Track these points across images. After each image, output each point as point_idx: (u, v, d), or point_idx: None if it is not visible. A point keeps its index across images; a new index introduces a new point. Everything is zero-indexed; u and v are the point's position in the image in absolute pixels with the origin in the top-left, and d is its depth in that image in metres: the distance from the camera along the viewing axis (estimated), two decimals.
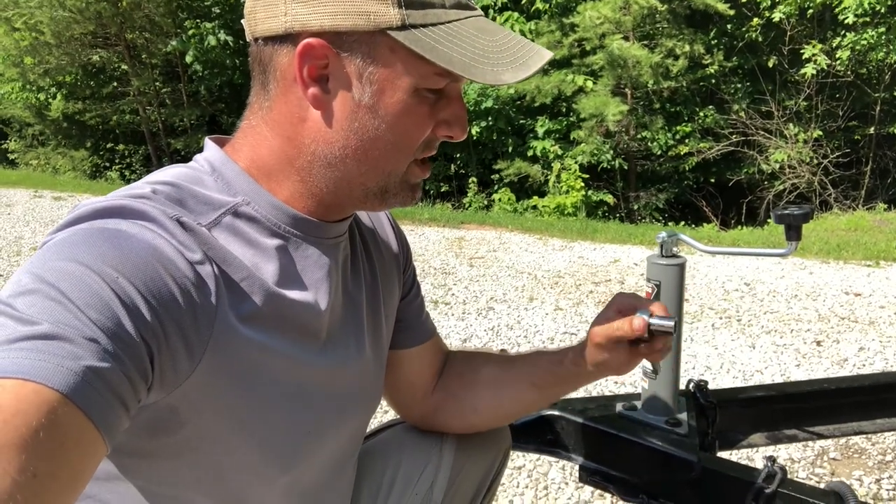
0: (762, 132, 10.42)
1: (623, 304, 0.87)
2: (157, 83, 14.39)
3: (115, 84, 14.56)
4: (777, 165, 10.16)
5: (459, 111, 0.72)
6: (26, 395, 0.47)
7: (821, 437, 1.50)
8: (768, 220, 9.16)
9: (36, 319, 0.50)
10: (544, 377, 0.97)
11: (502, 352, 1.16)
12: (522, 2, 11.28)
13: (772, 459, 1.09)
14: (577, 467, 2.10)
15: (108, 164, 15.31)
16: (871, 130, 10.26)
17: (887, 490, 2.13)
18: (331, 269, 0.76)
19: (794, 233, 1.16)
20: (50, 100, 14.67)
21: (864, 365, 3.15)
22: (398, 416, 1.09)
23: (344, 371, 0.79)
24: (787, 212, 1.14)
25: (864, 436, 2.40)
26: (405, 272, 0.96)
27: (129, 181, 14.39)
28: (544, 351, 1.00)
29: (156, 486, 0.68)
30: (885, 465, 2.27)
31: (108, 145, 15.39)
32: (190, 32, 12.55)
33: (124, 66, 14.15)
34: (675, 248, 1.29)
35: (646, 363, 1.38)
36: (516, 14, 11.00)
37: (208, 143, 0.75)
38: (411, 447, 1.02)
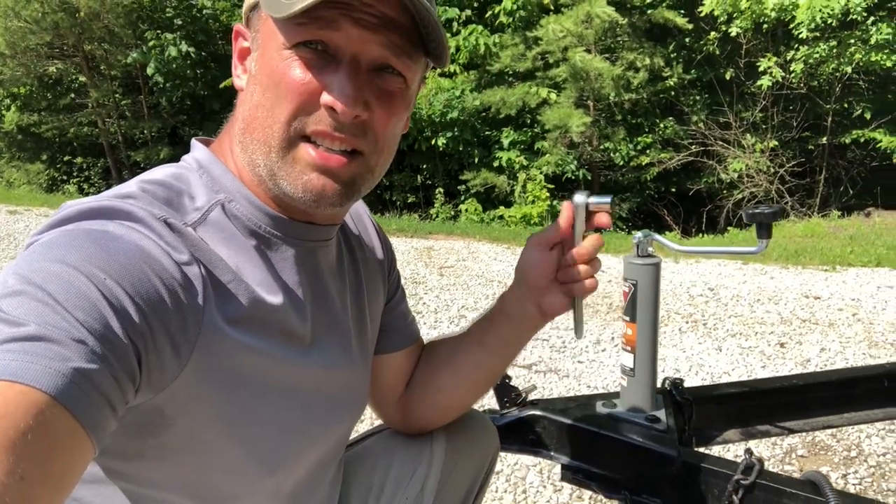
0: (720, 142, 10.71)
1: (538, 237, 0.88)
2: (117, 95, 14.13)
3: (72, 96, 14.27)
4: (735, 175, 10.43)
5: (343, 78, 0.64)
6: (14, 397, 0.46)
7: (792, 431, 1.54)
8: (728, 228, 9.39)
9: (23, 321, 0.50)
10: (489, 333, 0.95)
11: None
12: (486, 15, 11.41)
13: (749, 452, 1.12)
14: (555, 470, 2.10)
15: (65, 178, 14.95)
16: (824, 140, 10.62)
17: (853, 484, 2.19)
18: (313, 272, 0.76)
19: (764, 231, 1.20)
20: (3, 112, 14.28)
21: (825, 365, 3.25)
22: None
23: (330, 373, 0.79)
24: (757, 210, 1.18)
25: (831, 432, 2.47)
26: (390, 276, 0.96)
27: (87, 194, 14.00)
28: (483, 320, 0.98)
29: (142, 489, 0.68)
30: (850, 461, 2.34)
31: (66, 158, 15.03)
32: (151, 44, 12.37)
33: (82, 78, 13.87)
34: (650, 248, 1.32)
35: (624, 362, 1.41)
36: (480, 27, 11.13)
37: (195, 144, 0.75)
38: (400, 451, 1.02)
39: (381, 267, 0.93)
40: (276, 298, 0.70)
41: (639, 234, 1.29)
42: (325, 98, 0.64)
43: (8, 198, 10.41)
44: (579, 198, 0.88)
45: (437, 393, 0.98)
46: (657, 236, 1.29)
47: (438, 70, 10.32)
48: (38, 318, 0.50)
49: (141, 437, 0.64)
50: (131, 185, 0.67)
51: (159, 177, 0.69)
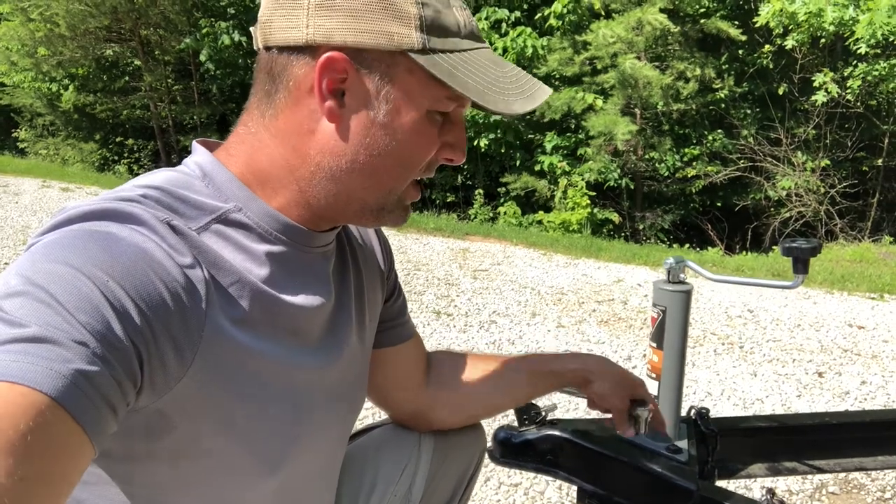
0: (770, 159, 10.43)
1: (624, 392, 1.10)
2: (169, 80, 14.45)
3: (126, 79, 14.63)
4: (784, 193, 10.15)
5: (461, 135, 0.76)
6: (14, 399, 0.47)
7: (821, 471, 1.49)
8: (773, 247, 9.15)
9: (25, 322, 0.50)
10: (543, 380, 1.08)
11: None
12: (536, 18, 11.32)
13: (771, 492, 1.09)
14: (574, 488, 2.07)
15: (116, 158, 15.35)
16: (879, 162, 10.26)
17: None
18: (319, 276, 0.77)
19: (801, 266, 1.15)
20: (62, 91, 14.73)
21: (865, 399, 3.14)
22: (375, 420, 1.12)
23: (333, 374, 0.80)
24: (794, 245, 1.14)
25: (865, 472, 2.38)
26: (388, 277, 0.98)
27: (136, 175, 14.34)
28: (544, 356, 1.11)
29: (144, 490, 0.68)
30: (884, 502, 2.25)
31: (118, 139, 15.43)
32: (204, 31, 12.62)
33: (137, 62, 14.22)
34: (681, 275, 1.29)
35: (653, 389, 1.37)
36: (529, 29, 11.04)
37: (197, 148, 0.75)
38: (389, 450, 1.05)
39: (381, 268, 0.95)
40: (280, 301, 0.71)
41: (671, 260, 1.26)
42: (447, 153, 0.75)
43: (62, 175, 10.73)
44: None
45: (471, 405, 1.08)
46: (690, 263, 1.25)
47: None
48: (39, 320, 0.51)
49: (144, 440, 0.64)
50: (133, 188, 0.67)
51: (161, 180, 0.70)
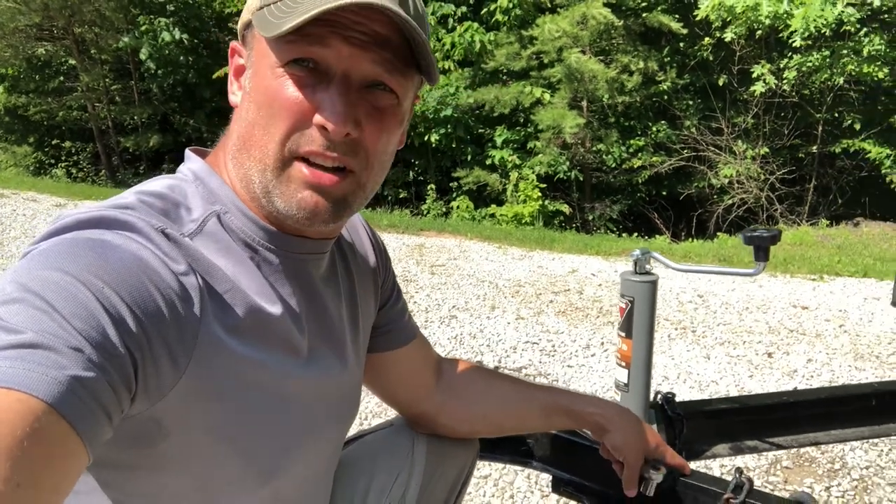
0: (712, 148, 10.76)
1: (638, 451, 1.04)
2: (107, 79, 13.98)
3: (61, 79, 14.09)
4: (726, 180, 10.49)
5: (333, 97, 0.65)
6: (10, 405, 0.46)
7: (780, 447, 1.56)
8: (718, 234, 9.45)
9: (20, 328, 0.50)
10: (558, 417, 1.05)
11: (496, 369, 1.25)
12: (482, 12, 11.38)
13: (739, 471, 1.13)
14: (542, 476, 2.11)
15: (53, 161, 14.79)
16: (814, 149, 10.70)
17: (836, 497, 2.22)
18: (308, 283, 0.77)
19: (762, 254, 1.21)
20: None
21: (812, 376, 3.29)
22: (366, 427, 1.12)
23: (326, 382, 0.80)
24: (756, 234, 1.19)
25: (818, 445, 2.49)
26: (384, 283, 0.97)
27: (75, 179, 13.97)
28: (565, 393, 1.09)
29: (136, 499, 0.68)
30: (833, 473, 2.37)
31: (54, 142, 14.87)
32: (143, 28, 12.24)
33: (72, 61, 13.71)
34: (647, 266, 1.33)
35: (619, 377, 1.41)
36: (476, 24, 11.10)
37: (190, 155, 0.76)
38: (383, 457, 1.04)
39: (374, 274, 0.94)
40: (273, 309, 0.70)
41: (637, 252, 1.30)
42: (317, 118, 0.65)
43: None
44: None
45: (481, 420, 1.07)
46: (656, 254, 1.30)
47: None
48: (35, 326, 0.50)
49: (137, 448, 0.64)
50: (129, 196, 0.67)
51: (156, 188, 0.69)
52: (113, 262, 0.57)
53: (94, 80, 13.57)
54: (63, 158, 14.79)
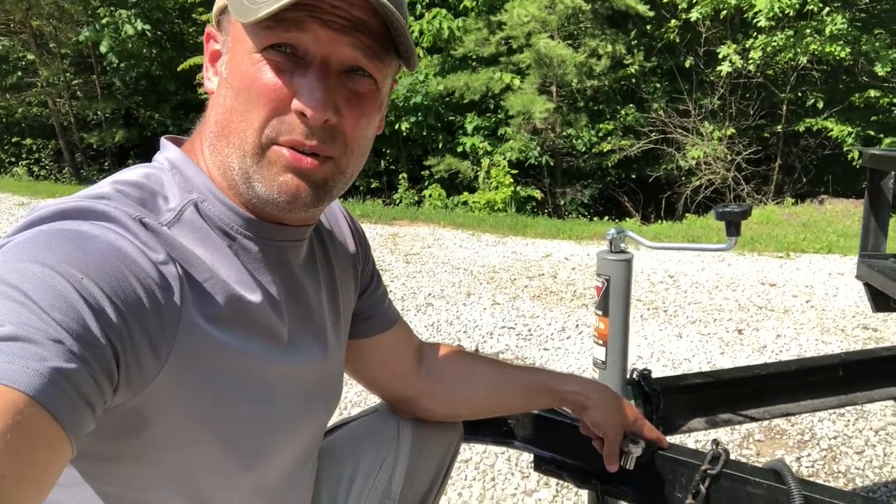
0: (680, 130, 10.90)
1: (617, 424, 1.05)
2: (68, 74, 13.65)
3: (20, 74, 13.72)
4: (694, 162, 10.64)
5: (311, 83, 0.64)
6: None
7: (753, 419, 1.60)
8: (686, 215, 9.59)
9: None
10: (539, 396, 1.07)
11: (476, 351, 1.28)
12: None
13: (716, 442, 1.16)
14: (522, 457, 2.13)
15: (13, 160, 14.42)
16: (779, 129, 10.90)
17: (806, 467, 2.29)
18: (287, 271, 0.77)
19: (733, 228, 1.24)
20: None
21: (781, 351, 3.37)
22: (351, 414, 1.13)
23: (307, 369, 0.80)
24: (727, 209, 1.22)
25: (788, 418, 2.56)
26: (364, 269, 0.97)
27: (37, 177, 13.65)
28: (544, 372, 1.11)
29: (121, 490, 0.68)
30: (803, 444, 2.44)
31: (14, 139, 14.49)
32: (104, 21, 11.95)
33: (30, 56, 13.35)
34: (622, 245, 1.35)
35: (596, 355, 1.44)
36: (444, 11, 11.06)
37: (166, 143, 0.75)
38: (368, 442, 1.04)
39: (354, 260, 0.94)
40: (252, 297, 0.70)
41: (612, 231, 1.32)
42: (296, 104, 0.64)
43: None
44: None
45: (462, 404, 1.08)
46: (630, 233, 1.32)
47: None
48: (14, 319, 0.50)
49: (120, 438, 0.64)
50: (105, 186, 0.67)
51: (132, 177, 0.69)
52: (91, 253, 0.57)
53: (54, 74, 13.24)
54: (24, 156, 14.42)
